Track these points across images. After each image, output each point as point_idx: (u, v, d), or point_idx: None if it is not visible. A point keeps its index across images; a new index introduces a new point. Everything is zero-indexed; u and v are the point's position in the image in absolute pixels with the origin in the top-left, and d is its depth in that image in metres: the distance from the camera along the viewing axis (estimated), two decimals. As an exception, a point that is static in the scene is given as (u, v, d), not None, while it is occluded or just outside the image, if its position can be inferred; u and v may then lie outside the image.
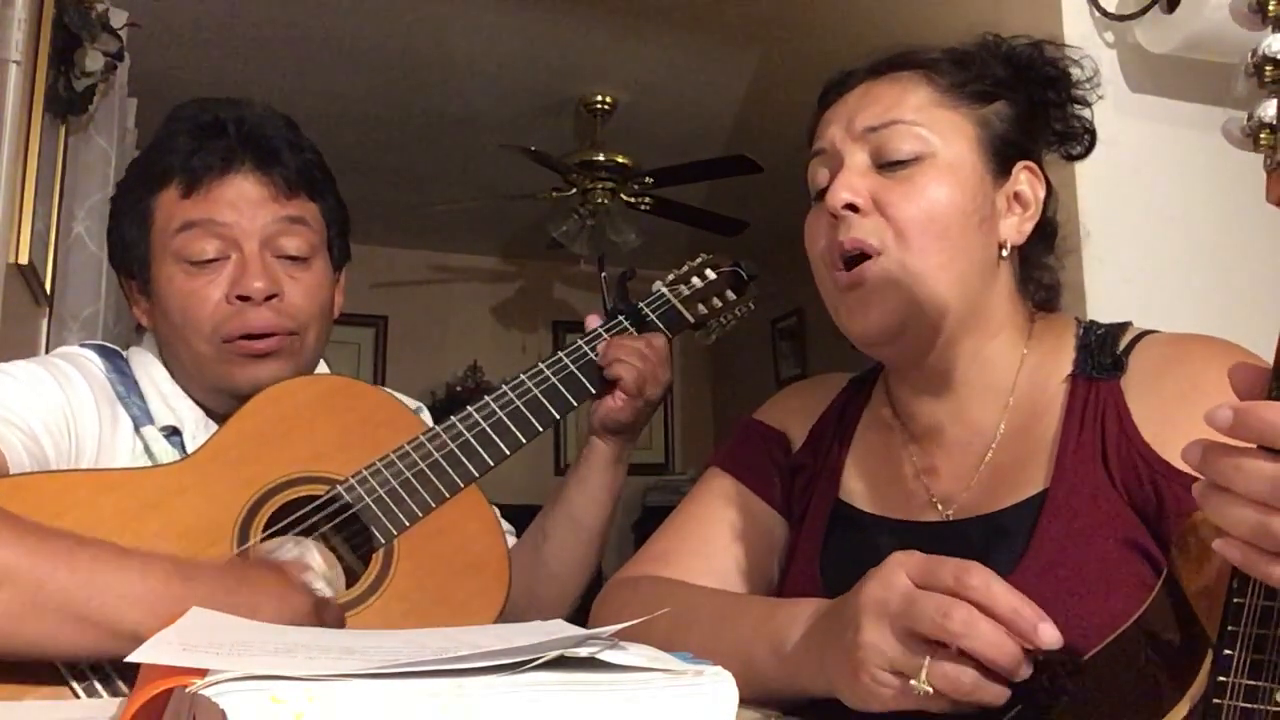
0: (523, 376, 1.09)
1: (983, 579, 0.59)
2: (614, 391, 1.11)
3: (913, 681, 0.59)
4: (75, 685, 0.80)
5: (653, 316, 1.17)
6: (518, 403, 1.07)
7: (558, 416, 1.09)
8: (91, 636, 0.75)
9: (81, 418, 0.98)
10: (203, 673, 0.47)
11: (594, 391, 1.11)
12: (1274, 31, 0.49)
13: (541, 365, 1.10)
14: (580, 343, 1.13)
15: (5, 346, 1.62)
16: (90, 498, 0.88)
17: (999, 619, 0.58)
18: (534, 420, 1.07)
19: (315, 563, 0.88)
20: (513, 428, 1.06)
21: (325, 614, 0.86)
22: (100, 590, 0.75)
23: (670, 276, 1.23)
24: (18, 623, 0.74)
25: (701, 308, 1.22)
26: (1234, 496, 0.48)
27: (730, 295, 1.24)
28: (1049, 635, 0.58)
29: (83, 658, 0.79)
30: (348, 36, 3.03)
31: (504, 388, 1.08)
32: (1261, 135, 0.49)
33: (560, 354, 1.11)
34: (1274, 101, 0.49)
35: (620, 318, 1.16)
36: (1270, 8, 0.49)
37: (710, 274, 1.23)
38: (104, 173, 2.13)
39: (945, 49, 0.89)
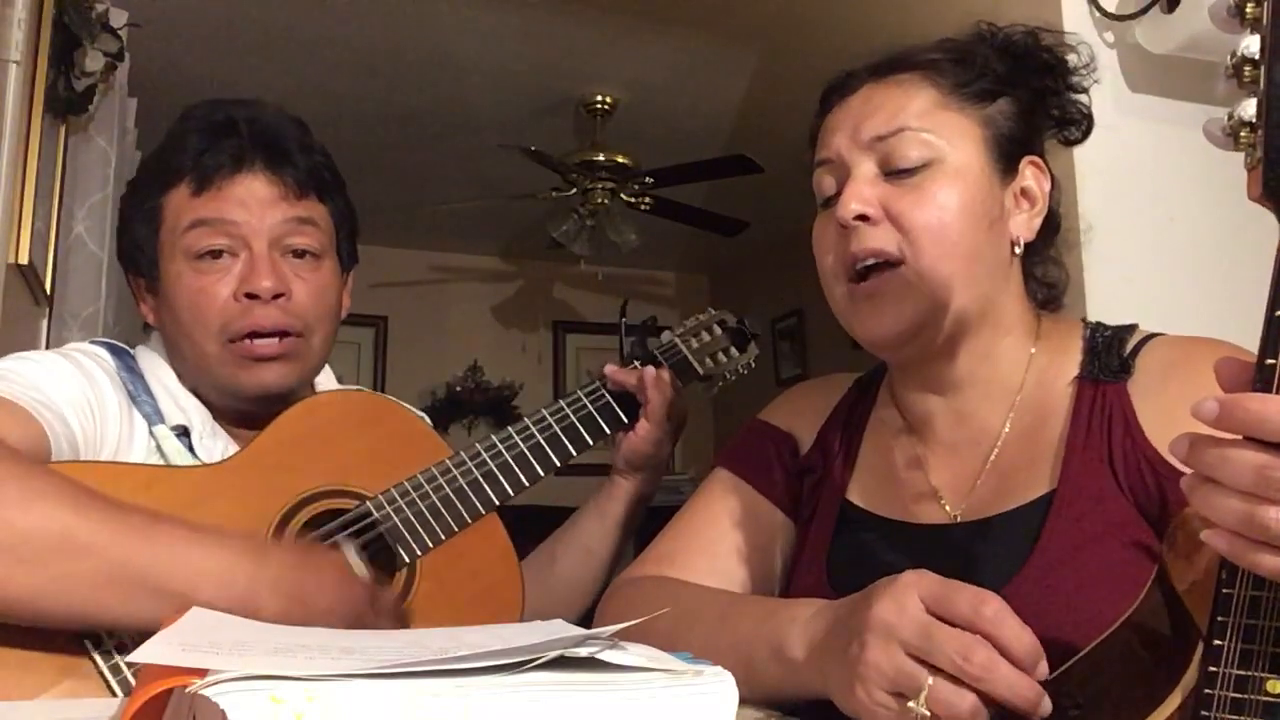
0: (544, 413, 1.14)
1: (997, 611, 0.59)
2: (635, 427, 1.15)
3: (911, 704, 0.59)
4: (95, 655, 0.83)
5: (666, 366, 1.21)
6: (539, 438, 1.12)
7: (574, 453, 1.13)
8: (165, 607, 0.77)
9: (104, 408, 0.99)
10: (203, 673, 0.47)
11: (608, 433, 1.16)
12: (1251, 33, 0.50)
13: (562, 403, 1.15)
14: (598, 384, 1.17)
15: (5, 346, 1.61)
16: (134, 491, 0.89)
17: (1004, 649, 0.58)
18: (553, 456, 1.12)
19: (354, 563, 0.92)
20: (533, 462, 1.10)
21: (379, 602, 0.89)
22: (178, 565, 0.79)
23: (680, 330, 1.28)
24: (98, 592, 0.77)
25: (709, 361, 1.26)
26: (1221, 487, 0.49)
27: (734, 352, 1.28)
28: (1042, 672, 0.59)
29: (151, 629, 0.81)
30: (348, 36, 3.03)
31: (527, 422, 1.13)
32: (1242, 134, 0.50)
33: (579, 393, 1.16)
34: (1253, 100, 0.50)
35: (635, 363, 1.20)
36: (1248, 10, 0.50)
37: (717, 330, 1.28)
38: (104, 173, 2.13)
39: (943, 44, 0.88)
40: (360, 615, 0.85)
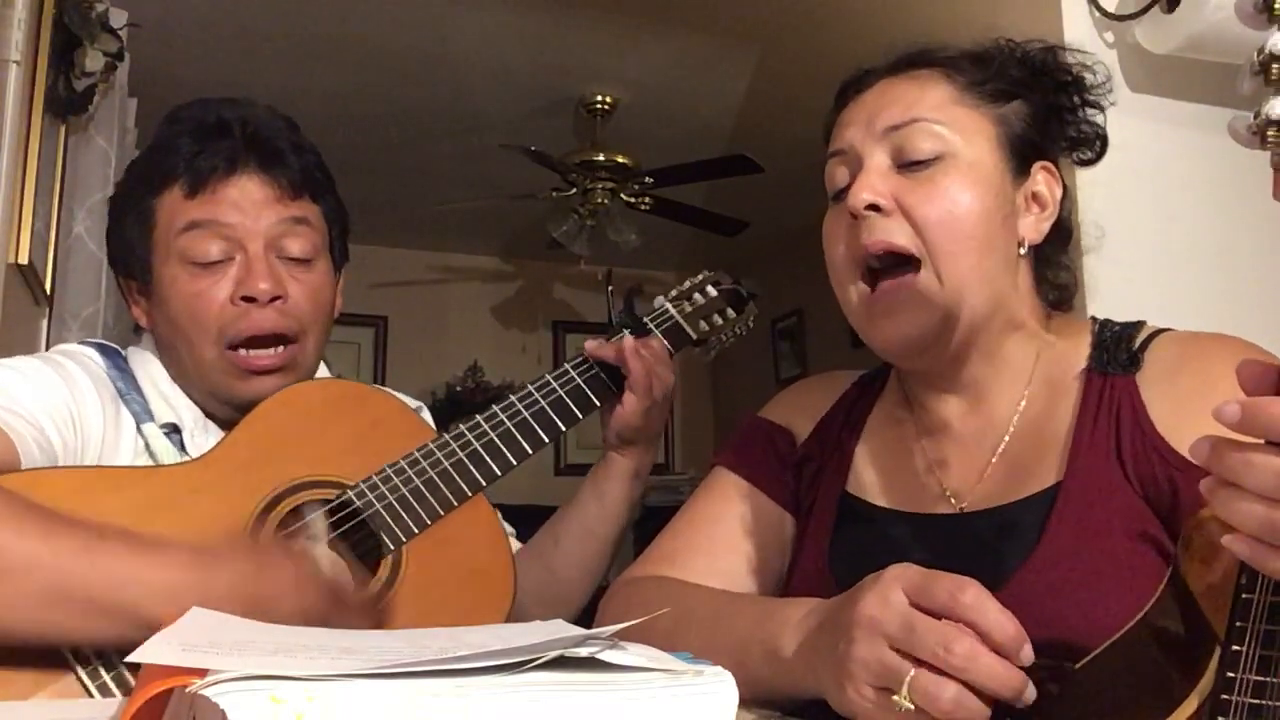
0: (530, 388, 1.10)
1: (976, 596, 0.59)
2: (622, 399, 1.12)
3: (895, 697, 0.59)
4: (80, 670, 0.81)
5: (657, 332, 1.18)
6: (525, 414, 1.08)
7: (563, 429, 1.10)
8: (113, 626, 0.77)
9: (86, 413, 0.98)
10: (203, 673, 0.47)
11: (597, 405, 1.12)
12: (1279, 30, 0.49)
13: (548, 377, 1.11)
14: (586, 348, 1.14)
15: (5, 346, 1.62)
16: (103, 495, 0.88)
17: (986, 636, 0.58)
18: (541, 432, 1.08)
19: (323, 556, 0.90)
20: (520, 439, 1.07)
21: (343, 597, 0.87)
22: (122, 582, 0.77)
23: (673, 293, 1.24)
24: (45, 612, 0.76)
25: (703, 324, 1.22)
26: (1242, 491, 0.49)
27: (730, 313, 1.24)
28: (1027, 657, 0.59)
29: (105, 645, 0.80)
30: (348, 36, 3.03)
31: (512, 399, 1.09)
32: (1269, 133, 0.49)
33: (566, 366, 1.13)
34: None
35: (625, 331, 1.16)
36: (1276, 7, 0.49)
37: (711, 291, 1.24)
38: (104, 173, 2.14)
39: (962, 49, 0.89)
40: (324, 616, 0.83)
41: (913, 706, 0.58)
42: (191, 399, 1.06)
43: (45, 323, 2.04)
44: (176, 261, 1.02)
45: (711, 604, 0.85)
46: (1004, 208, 0.83)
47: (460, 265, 5.24)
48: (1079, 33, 1.66)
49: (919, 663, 0.59)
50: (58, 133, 1.96)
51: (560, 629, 0.60)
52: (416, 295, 5.13)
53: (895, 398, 0.95)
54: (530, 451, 1.07)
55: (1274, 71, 0.49)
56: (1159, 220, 1.67)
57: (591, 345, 1.14)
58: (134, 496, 0.90)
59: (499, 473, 1.05)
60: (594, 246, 3.91)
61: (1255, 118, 0.50)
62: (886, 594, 0.62)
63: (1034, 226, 0.86)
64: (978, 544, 0.80)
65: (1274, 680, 0.50)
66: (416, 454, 1.01)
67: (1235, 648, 0.51)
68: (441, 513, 1.00)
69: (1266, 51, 0.49)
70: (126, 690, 0.81)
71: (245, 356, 1.01)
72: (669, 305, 1.21)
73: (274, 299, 1.02)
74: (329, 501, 0.97)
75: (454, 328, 5.20)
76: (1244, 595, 0.51)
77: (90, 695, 0.81)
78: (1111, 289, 1.53)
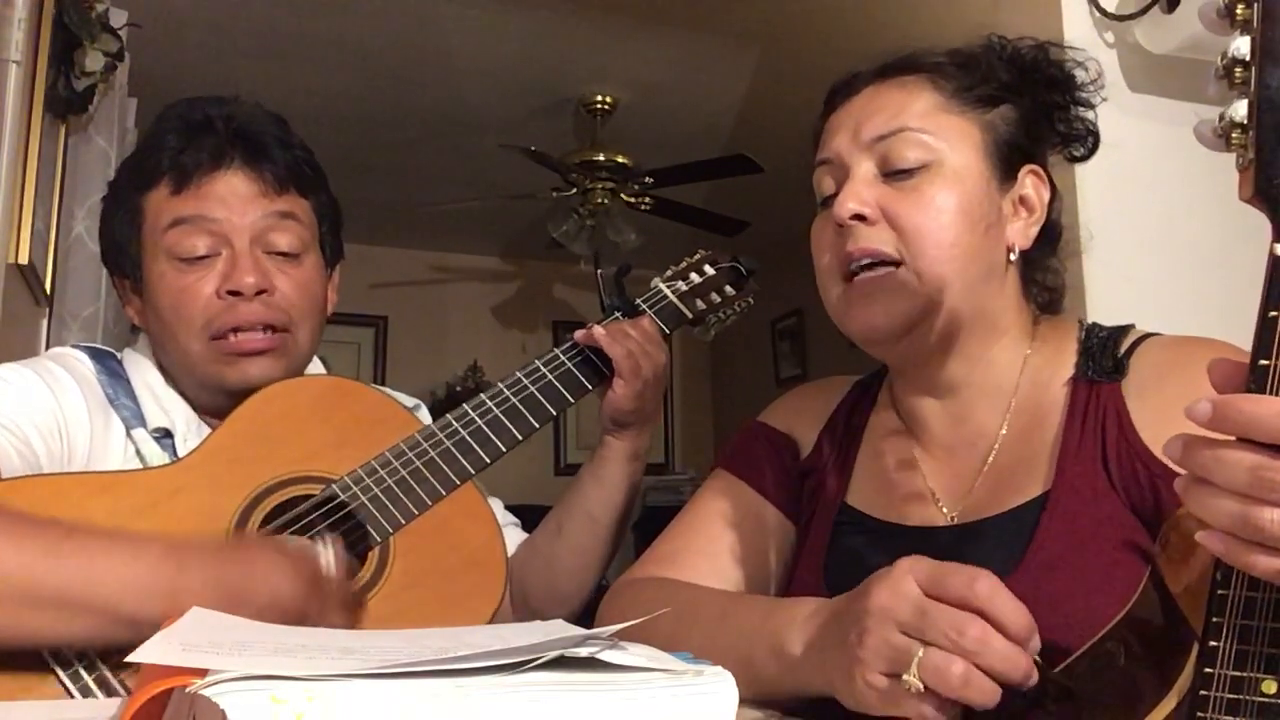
0: (519, 374, 1.09)
1: (989, 587, 0.59)
2: (613, 380, 1.10)
3: (904, 676, 0.59)
4: (60, 672, 0.81)
5: (650, 313, 1.17)
6: (514, 400, 1.07)
7: (554, 413, 1.09)
8: (90, 623, 0.76)
9: (73, 420, 0.98)
10: (203, 673, 0.47)
11: (590, 387, 1.11)
12: (1242, 35, 0.50)
13: (538, 362, 1.11)
14: (575, 337, 1.13)
15: (5, 346, 1.62)
16: (82, 500, 0.88)
17: (999, 626, 0.58)
18: (530, 417, 1.07)
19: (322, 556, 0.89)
20: (509, 425, 1.06)
21: (325, 588, 0.86)
22: (95, 578, 0.76)
23: (668, 272, 1.22)
24: (18, 614, 0.75)
25: (700, 303, 1.21)
26: (1215, 488, 0.49)
27: (729, 290, 1.23)
28: (1035, 648, 0.59)
29: (82, 644, 0.80)
30: (347, 36, 3.03)
31: (500, 385, 1.08)
32: (1233, 135, 0.50)
33: (557, 350, 1.12)
34: (1244, 102, 0.50)
35: (616, 314, 1.15)
36: (1238, 12, 0.49)
37: (709, 269, 1.22)
38: (104, 173, 2.13)
39: (950, 51, 0.88)
40: (304, 604, 0.81)
41: (922, 686, 0.58)
42: (186, 397, 1.06)
43: (45, 323, 2.04)
44: (164, 258, 1.02)
45: (714, 603, 0.85)
46: (989, 216, 0.84)
47: (460, 265, 5.24)
48: (1079, 33, 1.66)
49: (927, 645, 0.59)
50: (58, 133, 1.96)
51: (560, 629, 0.60)
52: (416, 295, 5.13)
53: (887, 408, 0.95)
54: (520, 437, 1.06)
55: (1237, 75, 0.50)
56: (1158, 220, 1.67)
57: (580, 334, 1.12)
58: (114, 500, 0.89)
59: (488, 460, 1.04)
60: (594, 246, 3.91)
61: (1220, 120, 0.51)
62: (898, 584, 0.62)
63: (1022, 232, 0.86)
64: (967, 555, 0.80)
65: (1251, 675, 0.50)
66: (403, 445, 1.01)
67: (1213, 644, 0.51)
68: (430, 503, 1.00)
69: (1229, 56, 0.50)
70: (109, 691, 0.81)
71: (232, 341, 1.01)
72: (663, 286, 1.20)
73: (260, 292, 1.01)
74: (314, 497, 0.97)
75: (454, 328, 5.20)
76: (1220, 591, 0.51)
77: (72, 698, 0.80)
78: (1110, 289, 1.54)
